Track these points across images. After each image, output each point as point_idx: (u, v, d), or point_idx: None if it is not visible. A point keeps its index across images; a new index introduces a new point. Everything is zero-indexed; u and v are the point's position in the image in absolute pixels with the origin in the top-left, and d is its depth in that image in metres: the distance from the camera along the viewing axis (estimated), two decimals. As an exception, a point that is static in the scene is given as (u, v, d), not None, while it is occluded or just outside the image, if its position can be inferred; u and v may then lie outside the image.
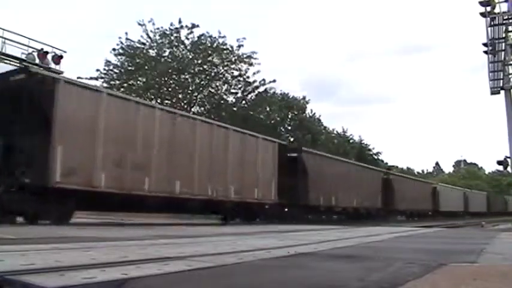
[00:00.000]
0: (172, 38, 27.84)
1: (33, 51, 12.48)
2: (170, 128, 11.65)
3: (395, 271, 3.19)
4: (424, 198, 31.68)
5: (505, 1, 16.92)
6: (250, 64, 28.85)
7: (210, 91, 29.47)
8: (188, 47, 28.15)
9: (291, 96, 34.59)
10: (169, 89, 28.54)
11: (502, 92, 18.89)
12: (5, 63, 11.62)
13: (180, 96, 28.68)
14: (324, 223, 17.18)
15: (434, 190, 34.84)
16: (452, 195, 38.45)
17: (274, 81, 30.54)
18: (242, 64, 28.97)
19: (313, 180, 18.17)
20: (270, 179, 15.43)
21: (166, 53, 28.13)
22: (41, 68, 11.54)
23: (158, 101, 26.52)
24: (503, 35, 17.47)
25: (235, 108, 29.92)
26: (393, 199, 26.53)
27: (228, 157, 13.50)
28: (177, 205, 12.22)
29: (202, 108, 29.29)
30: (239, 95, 30.36)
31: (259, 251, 4.42)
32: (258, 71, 29.16)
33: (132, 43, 27.19)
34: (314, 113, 36.60)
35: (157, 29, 27.51)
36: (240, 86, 29.94)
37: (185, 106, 27.49)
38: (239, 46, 28.33)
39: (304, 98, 35.63)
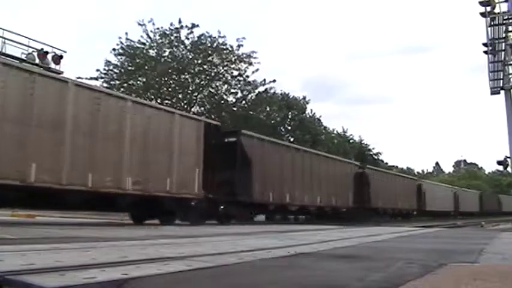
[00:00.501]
0: (172, 38, 27.85)
1: (33, 51, 12.47)
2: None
3: (395, 271, 3.19)
4: (407, 196, 29.13)
5: (505, 1, 16.93)
6: (250, 63, 28.88)
7: (210, 91, 29.47)
8: (188, 47, 28.15)
9: (291, 96, 34.62)
10: (169, 89, 28.54)
11: (502, 92, 18.92)
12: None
13: (180, 96, 28.69)
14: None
15: (420, 187, 31.95)
16: (440, 194, 35.81)
17: (274, 81, 30.59)
18: (242, 64, 28.99)
19: (259, 172, 15.16)
20: (191, 167, 12.25)
21: (166, 53, 28.13)
22: (41, 68, 11.54)
23: (158, 101, 26.53)
24: (503, 35, 17.48)
25: (235, 108, 29.93)
26: (369, 196, 23.65)
27: (124, 136, 10.45)
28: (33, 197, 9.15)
29: (203, 108, 29.29)
30: (239, 95, 30.38)
31: (259, 251, 4.42)
32: (257, 70, 29.18)
33: (132, 43, 27.20)
34: (314, 113, 36.64)
35: (157, 29, 27.54)
36: (240, 86, 29.95)
37: (185, 106, 27.49)
38: (239, 46, 28.36)
39: (304, 98, 35.68)
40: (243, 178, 14.38)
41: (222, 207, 13.82)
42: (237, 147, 14.51)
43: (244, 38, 28.64)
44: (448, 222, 26.02)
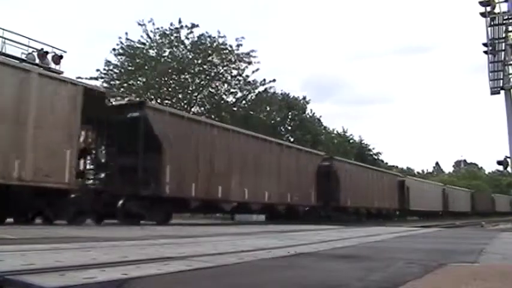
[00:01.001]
0: (172, 38, 27.87)
1: (33, 51, 12.47)
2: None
3: (395, 271, 3.19)
4: (387, 194, 26.46)
5: (505, 1, 16.93)
6: (249, 63, 28.89)
7: (210, 91, 29.49)
8: (188, 47, 28.17)
9: (291, 96, 34.63)
10: (169, 89, 28.56)
11: (502, 92, 18.91)
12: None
13: (180, 96, 28.71)
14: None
15: (403, 184, 29.54)
16: (426, 192, 33.39)
17: (274, 80, 30.60)
18: (242, 63, 29.02)
19: (175, 158, 11.99)
20: (59, 147, 9.49)
21: (166, 53, 28.16)
22: (41, 68, 11.54)
23: (158, 101, 26.54)
24: (503, 35, 17.48)
25: (235, 108, 29.94)
26: (338, 194, 20.96)
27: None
28: None
29: (202, 108, 29.31)
30: (239, 94, 30.41)
31: (259, 251, 4.42)
32: (257, 69, 29.21)
33: (132, 43, 27.22)
34: (314, 113, 36.66)
35: (157, 29, 27.59)
36: (239, 85, 29.97)
37: (185, 106, 27.51)
38: (238, 46, 28.38)
39: (304, 98, 35.70)
40: (150, 165, 11.43)
41: (120, 202, 10.94)
42: (141, 124, 11.30)
43: (243, 37, 28.72)
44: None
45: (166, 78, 27.89)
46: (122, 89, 25.95)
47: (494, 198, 53.17)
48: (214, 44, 28.32)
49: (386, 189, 26.30)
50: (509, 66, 18.80)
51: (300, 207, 18.66)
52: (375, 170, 28.12)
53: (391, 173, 31.70)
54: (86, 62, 46.01)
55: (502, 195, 57.01)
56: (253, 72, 29.30)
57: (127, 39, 27.04)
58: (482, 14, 16.94)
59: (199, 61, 28.45)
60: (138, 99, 13.42)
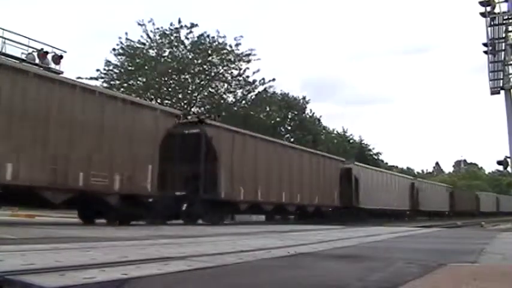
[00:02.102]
0: (172, 38, 27.85)
1: (33, 51, 12.45)
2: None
3: (395, 271, 3.19)
4: (324, 187, 19.67)
5: (505, 1, 16.93)
6: (249, 61, 28.89)
7: (210, 91, 29.48)
8: (188, 47, 28.17)
9: (290, 96, 34.63)
10: (169, 89, 28.55)
11: (502, 92, 18.91)
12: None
13: (180, 96, 28.69)
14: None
15: (349, 173, 22.04)
16: (385, 186, 25.84)
17: (273, 79, 30.57)
18: (241, 63, 29.02)
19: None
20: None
21: (166, 53, 28.14)
22: (41, 68, 11.53)
23: (158, 101, 26.53)
24: (503, 35, 17.49)
25: (235, 108, 29.95)
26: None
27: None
28: None
29: (202, 108, 29.30)
30: (239, 94, 30.40)
31: (259, 251, 4.42)
32: (258, 70, 29.18)
33: (132, 43, 27.20)
34: (314, 113, 36.65)
35: (157, 29, 27.53)
36: (239, 85, 29.97)
37: (185, 106, 27.50)
38: (237, 45, 28.39)
39: (304, 98, 35.66)
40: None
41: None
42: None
43: (241, 36, 28.74)
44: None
45: (166, 78, 27.86)
46: (122, 89, 25.90)
47: (480, 197, 47.13)
48: (214, 44, 28.31)
49: (325, 181, 21.22)
50: (509, 66, 18.80)
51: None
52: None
53: (333, 157, 24.37)
54: (86, 62, 45.91)
55: (488, 193, 52.86)
56: (254, 73, 29.34)
57: (127, 39, 27.03)
58: (482, 14, 16.94)
59: (199, 61, 28.43)
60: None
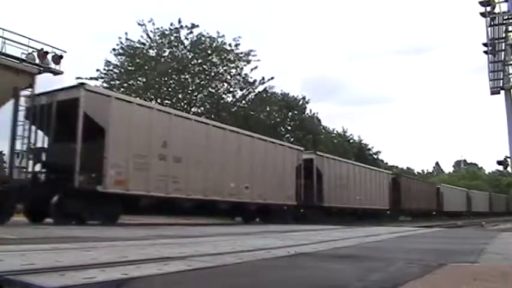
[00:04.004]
0: (172, 38, 27.86)
1: (33, 51, 12.45)
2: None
3: (395, 271, 3.19)
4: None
5: (505, 1, 16.94)
6: (249, 61, 28.92)
7: (209, 91, 29.48)
8: (188, 47, 28.17)
9: (290, 96, 34.64)
10: (169, 89, 28.56)
11: (502, 92, 18.93)
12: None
13: (180, 96, 28.70)
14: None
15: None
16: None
17: (272, 78, 30.57)
18: (241, 62, 29.03)
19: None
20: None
21: (166, 53, 28.15)
22: (41, 68, 11.53)
23: (158, 101, 26.54)
24: (503, 35, 17.49)
25: (235, 108, 29.96)
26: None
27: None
28: None
29: (202, 108, 29.31)
30: (239, 94, 30.42)
31: (259, 251, 4.42)
32: (255, 67, 29.20)
33: (132, 43, 27.20)
34: (313, 113, 36.67)
35: (157, 29, 27.55)
36: (239, 85, 29.98)
37: (185, 106, 27.50)
38: (236, 45, 28.43)
39: (304, 97, 35.68)
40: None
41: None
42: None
43: (240, 37, 28.84)
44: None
45: (166, 78, 27.87)
46: (122, 89, 25.89)
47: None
48: (214, 44, 28.34)
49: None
50: (509, 66, 18.81)
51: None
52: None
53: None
54: (86, 62, 45.89)
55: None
56: (251, 70, 29.33)
57: (127, 39, 27.03)
58: (482, 14, 16.94)
59: (199, 61, 28.45)
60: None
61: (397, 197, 28.06)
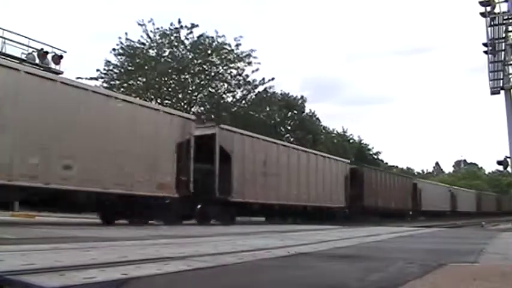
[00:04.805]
0: (172, 38, 27.87)
1: (33, 51, 12.47)
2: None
3: (395, 271, 3.19)
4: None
5: (505, 1, 16.94)
6: (249, 63, 28.93)
7: (210, 91, 29.49)
8: (188, 47, 28.18)
9: (289, 96, 34.65)
10: (169, 89, 28.57)
11: (502, 92, 18.92)
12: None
13: (180, 96, 28.71)
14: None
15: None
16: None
17: (273, 79, 30.60)
18: (241, 63, 29.05)
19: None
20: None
21: (166, 53, 28.15)
22: (41, 68, 11.54)
23: (158, 101, 26.55)
24: (503, 35, 17.49)
25: (235, 108, 29.97)
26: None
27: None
28: None
29: (202, 108, 29.31)
30: (239, 94, 30.44)
31: (259, 251, 4.42)
32: (257, 69, 29.22)
33: (132, 43, 27.21)
34: (313, 113, 36.68)
35: (157, 29, 27.56)
36: (239, 85, 29.99)
37: (185, 106, 27.50)
38: (237, 45, 28.43)
39: (302, 97, 35.70)
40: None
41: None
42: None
43: (241, 36, 28.79)
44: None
45: (166, 78, 27.88)
46: (122, 89, 25.91)
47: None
48: (214, 44, 28.34)
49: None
50: (509, 66, 18.81)
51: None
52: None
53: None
54: (86, 62, 45.89)
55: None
56: (252, 72, 29.37)
57: (127, 39, 27.05)
58: (482, 14, 16.94)
59: (199, 61, 28.46)
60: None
61: (357, 192, 22.60)
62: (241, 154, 14.71)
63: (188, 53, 28.29)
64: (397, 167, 59.70)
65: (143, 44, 27.44)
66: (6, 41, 12.02)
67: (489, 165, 78.92)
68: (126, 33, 27.18)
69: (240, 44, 28.40)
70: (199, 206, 13.29)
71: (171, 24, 27.61)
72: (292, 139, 31.13)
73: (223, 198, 13.57)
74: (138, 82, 27.77)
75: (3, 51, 11.80)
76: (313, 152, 20.36)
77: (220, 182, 13.40)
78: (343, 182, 21.22)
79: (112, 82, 26.99)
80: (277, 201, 16.48)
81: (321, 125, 38.08)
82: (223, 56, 28.70)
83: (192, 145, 12.59)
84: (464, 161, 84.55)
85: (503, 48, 17.94)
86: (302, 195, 17.90)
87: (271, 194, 16.11)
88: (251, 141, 15.60)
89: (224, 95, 30.07)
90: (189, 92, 28.77)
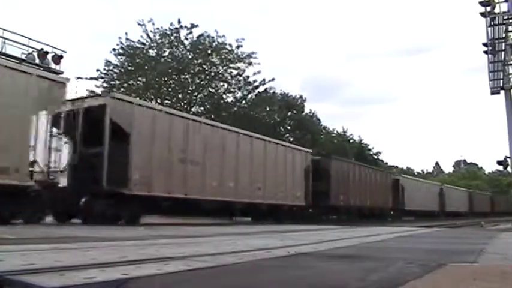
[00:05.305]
0: (172, 38, 27.88)
1: (33, 51, 12.47)
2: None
3: (395, 271, 3.19)
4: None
5: (505, 1, 16.94)
6: (250, 64, 28.95)
7: (210, 91, 29.50)
8: (188, 47, 28.18)
9: (289, 96, 34.64)
10: (169, 89, 28.58)
11: (502, 92, 18.92)
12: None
13: (180, 96, 28.72)
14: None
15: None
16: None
17: (273, 79, 30.62)
18: (241, 63, 29.07)
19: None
20: None
21: (166, 53, 28.16)
22: (41, 68, 11.53)
23: (158, 101, 26.55)
24: (503, 35, 17.49)
25: (235, 108, 29.98)
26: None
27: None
28: None
29: (202, 108, 29.33)
30: (239, 94, 30.45)
31: (259, 251, 4.41)
32: (258, 71, 29.25)
33: (132, 43, 27.22)
34: (313, 113, 36.67)
35: (157, 29, 27.58)
36: (240, 85, 30.01)
37: (185, 106, 27.51)
38: (238, 46, 28.44)
39: (301, 96, 35.70)
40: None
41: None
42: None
43: (243, 39, 28.83)
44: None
45: (166, 78, 27.89)
46: (122, 89, 25.91)
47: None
48: (214, 44, 28.36)
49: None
50: (509, 66, 18.81)
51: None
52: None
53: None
54: (86, 62, 45.97)
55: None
56: (254, 74, 29.42)
57: (127, 39, 27.07)
58: (482, 14, 16.94)
59: (199, 61, 28.48)
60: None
61: (323, 188, 19.85)
62: (147, 134, 11.46)
63: (188, 53, 28.30)
64: (397, 167, 59.76)
65: (143, 44, 27.46)
66: (6, 41, 12.02)
67: (489, 165, 79.07)
68: (126, 33, 27.24)
69: (241, 46, 28.45)
70: (83, 200, 10.30)
71: (171, 24, 27.67)
72: (291, 139, 31.13)
73: (113, 190, 10.53)
74: (138, 82, 27.79)
75: (3, 51, 11.80)
76: (260, 137, 16.50)
77: (111, 169, 10.45)
78: (302, 175, 17.82)
79: (112, 82, 27.00)
80: (202, 196, 12.96)
81: (321, 125, 38.11)
82: (223, 56, 28.71)
83: (62, 118, 10.17)
84: (464, 161, 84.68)
85: (503, 48, 17.94)
86: (242, 190, 14.58)
87: (194, 187, 12.71)
88: (166, 118, 12.24)
89: (224, 95, 30.09)
90: (189, 92, 28.77)
